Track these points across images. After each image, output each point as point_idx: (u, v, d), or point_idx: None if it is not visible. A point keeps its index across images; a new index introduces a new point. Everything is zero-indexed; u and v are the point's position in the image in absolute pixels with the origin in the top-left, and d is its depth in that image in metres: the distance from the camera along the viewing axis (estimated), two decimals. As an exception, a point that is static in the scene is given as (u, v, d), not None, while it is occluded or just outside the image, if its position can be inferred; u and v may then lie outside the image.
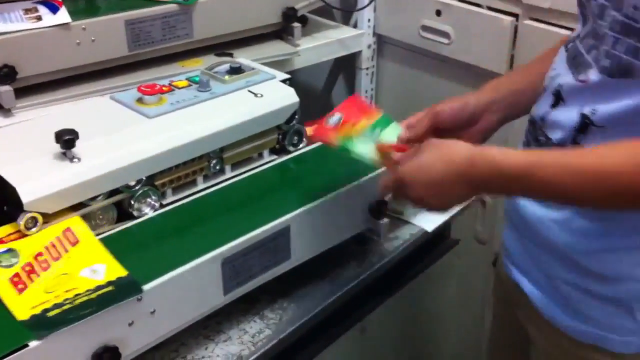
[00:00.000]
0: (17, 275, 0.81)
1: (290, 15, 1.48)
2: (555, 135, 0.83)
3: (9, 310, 0.77)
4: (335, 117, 0.99)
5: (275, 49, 1.49)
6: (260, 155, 1.12)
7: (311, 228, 1.00)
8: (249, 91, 1.10)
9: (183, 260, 0.87)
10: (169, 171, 0.99)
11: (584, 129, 0.80)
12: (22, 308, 0.77)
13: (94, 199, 0.91)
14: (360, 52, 1.67)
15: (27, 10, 1.19)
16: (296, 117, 1.13)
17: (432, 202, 0.85)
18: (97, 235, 0.92)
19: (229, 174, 1.07)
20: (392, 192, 0.90)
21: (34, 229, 0.86)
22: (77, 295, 0.78)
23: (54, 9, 1.20)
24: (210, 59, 1.39)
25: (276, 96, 1.11)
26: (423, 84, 1.64)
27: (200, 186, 1.04)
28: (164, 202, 0.99)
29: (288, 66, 1.48)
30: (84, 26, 1.21)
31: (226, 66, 1.16)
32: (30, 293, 0.79)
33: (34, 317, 0.76)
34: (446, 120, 0.95)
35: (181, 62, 1.37)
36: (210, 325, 0.97)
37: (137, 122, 1.00)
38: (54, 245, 0.85)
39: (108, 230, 0.93)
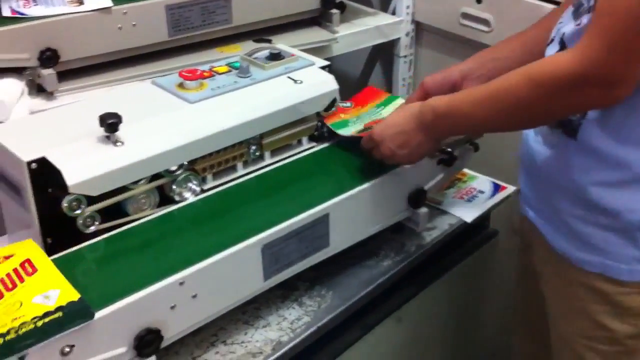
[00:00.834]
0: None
1: (328, 1, 1.47)
2: None
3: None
4: (346, 104, 1.15)
5: (313, 35, 1.48)
6: (299, 142, 1.11)
7: (350, 216, 1.00)
8: (289, 77, 1.10)
9: (224, 245, 0.87)
10: (210, 156, 0.99)
11: None
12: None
13: (136, 182, 0.92)
14: (398, 39, 1.66)
15: (69, -6, 1.20)
16: (335, 104, 1.12)
17: (400, 154, 0.97)
18: (139, 219, 0.93)
19: (268, 161, 1.07)
20: (368, 151, 1.02)
21: (84, 209, 0.87)
22: (22, 324, 0.73)
23: (96, -7, 1.21)
24: (249, 45, 1.39)
25: (316, 83, 1.10)
26: (462, 72, 1.62)
27: (240, 172, 1.04)
28: (205, 187, 1.00)
29: (326, 53, 1.47)
30: (125, 11, 1.22)
31: (266, 52, 1.15)
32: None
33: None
34: (432, 89, 1.06)
35: (220, 48, 1.37)
36: (249, 311, 0.97)
37: (178, 107, 1.00)
38: (9, 276, 0.80)
39: (150, 215, 0.94)
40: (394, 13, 1.66)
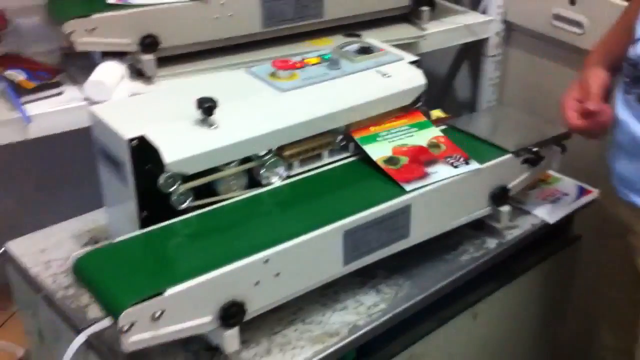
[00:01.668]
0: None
1: (420, -2, 1.48)
2: None
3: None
4: None
5: (402, 31, 1.50)
6: (385, 136, 1.13)
7: (432, 209, 1.01)
8: (377, 71, 1.12)
9: (308, 228, 0.90)
10: (298, 143, 1.02)
11: None
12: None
13: (227, 164, 0.96)
14: (487, 38, 1.65)
15: (172, -16, 1.26)
16: (422, 99, 1.13)
17: None
18: (228, 199, 0.97)
19: (352, 151, 1.09)
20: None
21: (178, 186, 0.91)
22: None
23: (196, -16, 1.26)
24: (339, 40, 1.42)
25: (403, 77, 1.12)
26: (552, 74, 1.60)
27: (325, 160, 1.07)
28: (291, 173, 1.03)
29: (414, 50, 1.48)
30: (222, 2, 1.27)
31: (356, 46, 1.18)
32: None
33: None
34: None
35: (311, 41, 1.41)
36: (328, 294, 1.00)
37: (270, 95, 1.04)
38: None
39: (238, 196, 0.98)
40: (484, 12, 1.66)
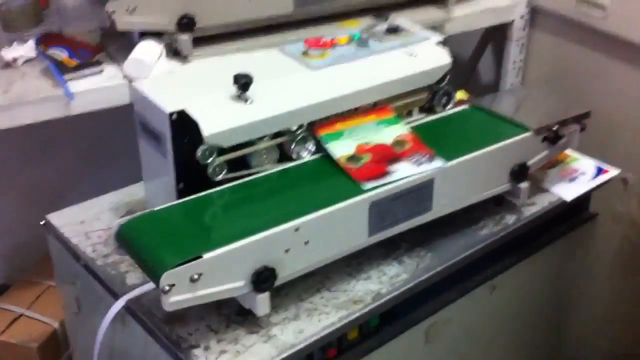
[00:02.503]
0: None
1: (446, -20, 1.52)
2: None
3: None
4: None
5: (429, 14, 1.54)
6: (410, 114, 1.18)
7: (454, 184, 1.06)
8: (404, 51, 1.16)
9: (336, 200, 0.96)
10: (327, 119, 1.07)
11: None
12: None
13: (261, 138, 1.02)
14: (512, 21, 1.68)
15: (208, -34, 1.31)
16: (447, 78, 1.18)
17: None
18: (261, 172, 1.02)
19: (379, 128, 1.14)
20: None
21: (215, 158, 0.97)
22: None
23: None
24: (368, 21, 1.46)
25: (429, 56, 1.16)
26: (576, 57, 1.63)
27: (353, 136, 1.12)
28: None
29: (440, 32, 1.51)
30: (256, -17, 1.32)
31: (384, 26, 1.22)
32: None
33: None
34: None
35: (341, 22, 1.45)
36: (352, 265, 1.05)
37: (301, 72, 1.09)
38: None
39: (270, 169, 1.03)
40: (509, -5, 1.68)
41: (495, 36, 1.80)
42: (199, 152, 0.96)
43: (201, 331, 0.93)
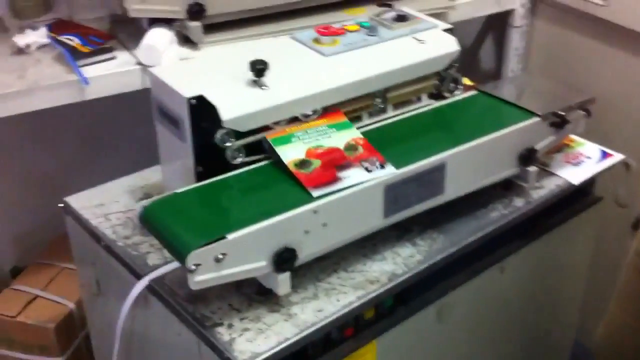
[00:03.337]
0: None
1: (449, -31, 1.54)
2: None
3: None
4: None
5: (433, 1, 1.56)
6: (419, 99, 1.20)
7: (465, 167, 1.08)
8: (413, 38, 1.19)
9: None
10: (340, 105, 1.09)
11: None
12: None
13: (277, 123, 1.04)
14: (514, 9, 1.71)
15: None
16: (455, 64, 1.20)
17: None
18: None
19: (390, 113, 1.16)
20: None
21: (233, 142, 0.99)
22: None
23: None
24: (373, 9, 1.48)
25: (438, 43, 1.18)
26: (577, 45, 1.66)
27: (365, 121, 1.14)
28: (333, 133, 1.10)
29: (442, 20, 1.53)
30: (265, -28, 1.34)
31: (393, 14, 1.24)
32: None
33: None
34: None
35: (347, 10, 1.47)
36: (367, 246, 1.08)
37: (314, 59, 1.11)
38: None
39: (285, 153, 1.05)
40: (511, -16, 1.71)
41: (497, 24, 1.83)
42: (217, 136, 0.98)
43: (224, 310, 0.95)
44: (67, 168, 1.73)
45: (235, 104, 0.99)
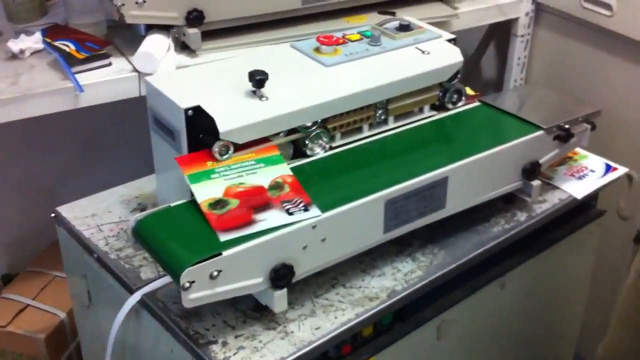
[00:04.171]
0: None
1: (452, -23, 1.52)
2: None
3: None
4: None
5: (435, 10, 1.54)
6: (421, 110, 1.18)
7: (467, 182, 1.06)
8: (417, 48, 1.16)
9: (352, 197, 0.95)
10: (340, 116, 1.07)
11: None
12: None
13: (276, 135, 1.01)
14: (517, 18, 1.69)
15: (218, -40, 1.30)
16: (458, 76, 1.18)
17: None
18: (275, 168, 1.02)
19: (391, 125, 1.14)
20: None
21: (225, 157, 0.96)
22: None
23: (240, -40, 1.30)
24: (374, 17, 1.46)
25: (441, 54, 1.16)
26: (580, 56, 1.64)
27: (366, 133, 1.11)
28: (333, 145, 1.08)
29: (445, 28, 1.51)
30: (264, -22, 1.31)
31: (395, 23, 1.22)
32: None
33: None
34: None
35: (347, 17, 1.45)
36: (366, 261, 1.05)
37: (315, 69, 1.08)
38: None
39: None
40: (515, -8, 1.69)
41: (499, 33, 1.81)
42: (214, 148, 0.96)
43: (218, 327, 0.93)
44: (61, 175, 1.71)
45: (233, 115, 0.96)
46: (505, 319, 1.25)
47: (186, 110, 0.95)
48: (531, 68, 1.77)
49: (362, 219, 0.97)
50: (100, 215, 1.13)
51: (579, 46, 1.64)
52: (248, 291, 0.89)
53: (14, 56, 1.29)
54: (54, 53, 1.27)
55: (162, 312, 0.95)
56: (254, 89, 1.00)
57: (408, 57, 1.14)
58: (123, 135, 1.66)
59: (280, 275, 0.90)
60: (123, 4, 1.23)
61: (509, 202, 1.18)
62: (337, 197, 0.95)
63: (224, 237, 0.86)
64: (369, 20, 1.40)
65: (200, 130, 0.96)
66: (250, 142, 0.99)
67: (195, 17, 1.28)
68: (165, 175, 1.07)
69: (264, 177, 0.94)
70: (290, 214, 0.90)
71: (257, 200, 0.91)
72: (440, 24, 1.50)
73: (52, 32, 1.33)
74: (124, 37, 1.36)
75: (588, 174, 1.27)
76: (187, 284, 0.83)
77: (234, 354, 0.89)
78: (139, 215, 0.92)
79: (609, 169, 1.28)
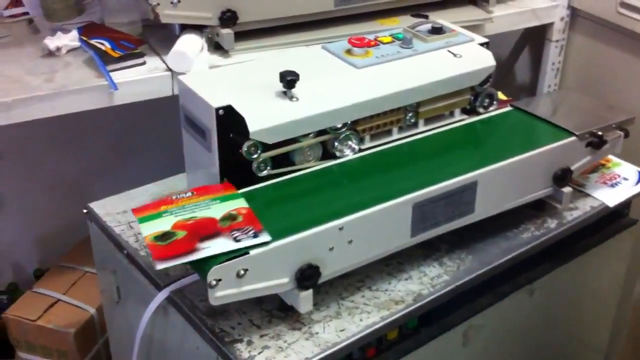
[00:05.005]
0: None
1: (487, -20, 1.51)
2: None
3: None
4: (185, 194, 0.96)
5: (469, 13, 1.53)
6: (452, 114, 1.17)
7: (497, 187, 1.05)
8: (449, 51, 1.16)
9: (380, 199, 0.95)
10: (370, 119, 1.07)
11: None
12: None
13: (305, 136, 1.02)
14: (552, 23, 1.67)
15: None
16: (490, 80, 1.17)
17: None
18: (304, 169, 1.02)
19: (421, 128, 1.13)
20: None
21: (254, 156, 0.97)
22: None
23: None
24: (407, 19, 1.46)
25: (474, 58, 1.15)
26: (615, 62, 1.61)
27: (395, 136, 1.11)
28: (362, 147, 1.08)
29: (479, 32, 1.50)
30: (298, -20, 1.32)
31: (428, 26, 1.21)
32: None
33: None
34: None
35: (380, 20, 1.45)
36: (392, 264, 1.05)
37: (346, 71, 1.08)
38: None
39: (313, 166, 1.03)
40: (550, -3, 1.67)
41: (534, 37, 1.79)
42: (244, 148, 0.96)
43: (244, 325, 0.93)
44: (93, 172, 1.73)
45: (264, 115, 0.97)
46: (532, 326, 1.23)
47: (217, 109, 0.96)
48: (565, 73, 1.75)
49: (389, 221, 0.97)
50: (131, 213, 1.14)
51: (613, 52, 1.62)
52: (274, 291, 0.90)
53: (50, 53, 1.31)
54: (89, 51, 1.29)
55: (189, 309, 0.96)
56: (284, 89, 1.00)
57: (440, 60, 1.14)
58: (155, 134, 1.68)
59: (306, 276, 0.90)
60: (158, 4, 1.24)
61: (539, 208, 1.16)
62: (365, 199, 0.95)
63: (160, 266, 0.84)
64: (402, 23, 1.40)
65: (231, 129, 0.97)
66: (280, 143, 1.00)
67: (228, 18, 1.29)
68: (196, 174, 1.08)
69: (217, 210, 0.92)
70: (238, 240, 0.86)
71: (205, 230, 0.88)
72: (474, 28, 1.49)
73: (88, 31, 1.36)
74: (158, 36, 1.38)
75: (621, 182, 1.25)
76: (214, 282, 0.83)
77: (259, 353, 0.89)
78: (169, 212, 0.93)
79: (642, 177, 1.26)
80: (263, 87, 1.02)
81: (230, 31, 1.29)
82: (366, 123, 1.07)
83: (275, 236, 0.88)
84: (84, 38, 1.33)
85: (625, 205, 1.26)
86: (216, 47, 1.32)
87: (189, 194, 0.96)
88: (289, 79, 0.99)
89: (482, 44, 1.19)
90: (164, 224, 0.90)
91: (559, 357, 1.36)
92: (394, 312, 0.97)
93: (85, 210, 1.16)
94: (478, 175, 1.02)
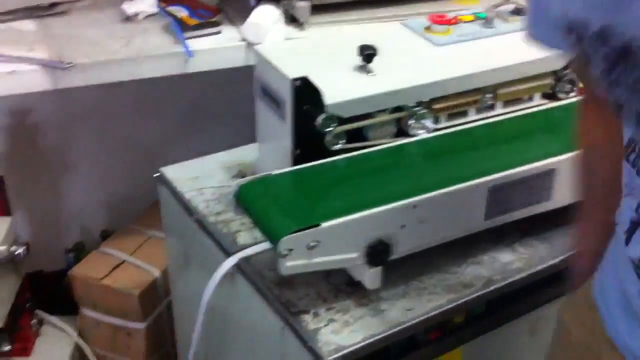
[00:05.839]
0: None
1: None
2: None
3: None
4: None
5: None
6: (531, 98, 1.14)
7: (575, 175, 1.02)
8: (531, 33, 1.12)
9: (455, 180, 0.93)
10: (447, 98, 1.05)
11: None
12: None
13: (381, 111, 1.00)
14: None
15: None
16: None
17: None
18: (377, 145, 1.01)
19: (499, 110, 1.10)
20: None
21: (328, 129, 0.96)
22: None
23: None
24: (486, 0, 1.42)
25: (557, 42, 1.11)
26: None
27: (472, 117, 1.09)
28: (437, 127, 1.06)
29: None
30: (378, -47, 1.29)
31: (511, 6, 1.18)
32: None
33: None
34: None
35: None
36: (463, 247, 1.03)
37: (425, 48, 1.07)
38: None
39: (386, 143, 1.02)
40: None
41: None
42: (319, 120, 0.96)
43: (310, 297, 0.93)
44: (166, 138, 1.75)
45: (340, 89, 0.96)
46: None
47: (293, 80, 0.95)
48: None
49: (463, 203, 0.95)
50: (202, 179, 1.15)
51: None
52: (343, 265, 0.89)
53: (128, 18, 1.33)
54: (167, 17, 1.30)
55: (257, 277, 0.96)
56: (362, 63, 0.99)
57: (521, 42, 1.10)
58: (227, 103, 1.68)
59: (377, 252, 0.89)
60: (237, -27, 1.24)
61: (617, 200, 1.12)
62: (440, 179, 0.94)
63: None
64: (482, 3, 1.36)
65: (306, 101, 0.96)
66: (354, 117, 0.98)
67: (306, -11, 1.27)
68: (268, 144, 1.08)
69: None
70: None
71: None
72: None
73: (166, -2, 1.36)
74: (234, 6, 1.37)
75: None
76: (285, 252, 0.83)
77: (324, 326, 0.89)
78: (242, 180, 0.93)
79: None
80: (340, 60, 1.01)
81: (307, 4, 1.28)
82: (442, 102, 1.05)
83: (348, 210, 0.87)
84: (162, 5, 1.34)
85: None
86: (292, 19, 1.31)
87: None
88: (367, 53, 0.98)
89: (567, 27, 1.15)
90: None
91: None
92: (462, 296, 0.95)
93: (156, 174, 1.17)
94: (556, 162, 0.99)
